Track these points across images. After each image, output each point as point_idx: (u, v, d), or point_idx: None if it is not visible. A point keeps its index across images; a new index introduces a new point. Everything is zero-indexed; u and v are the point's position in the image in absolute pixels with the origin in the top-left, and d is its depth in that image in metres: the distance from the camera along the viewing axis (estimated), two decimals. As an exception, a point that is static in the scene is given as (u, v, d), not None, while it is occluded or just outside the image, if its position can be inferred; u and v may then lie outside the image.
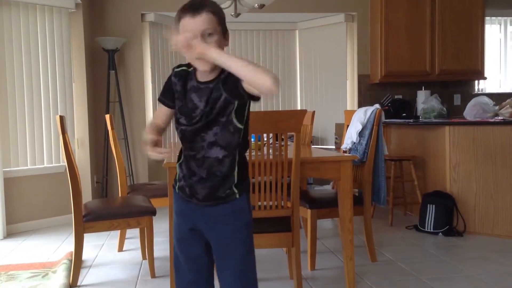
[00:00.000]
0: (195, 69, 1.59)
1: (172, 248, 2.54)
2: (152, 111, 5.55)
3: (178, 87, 1.61)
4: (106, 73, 5.18)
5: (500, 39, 6.31)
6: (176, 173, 1.70)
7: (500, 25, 6.28)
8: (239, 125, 1.57)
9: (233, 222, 1.63)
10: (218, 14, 1.51)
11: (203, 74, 1.57)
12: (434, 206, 4.01)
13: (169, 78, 1.66)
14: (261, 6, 3.91)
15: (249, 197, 1.68)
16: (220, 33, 1.51)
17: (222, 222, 1.62)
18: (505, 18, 6.23)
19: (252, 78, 1.39)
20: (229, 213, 1.63)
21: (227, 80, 1.52)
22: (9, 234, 4.26)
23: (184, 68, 1.62)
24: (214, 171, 1.59)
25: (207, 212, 1.63)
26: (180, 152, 1.68)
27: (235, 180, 1.61)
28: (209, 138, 1.57)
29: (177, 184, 1.69)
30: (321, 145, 6.11)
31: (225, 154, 1.58)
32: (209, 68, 1.51)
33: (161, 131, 1.63)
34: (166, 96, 1.66)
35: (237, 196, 1.62)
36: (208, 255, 1.69)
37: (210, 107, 1.55)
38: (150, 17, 5.42)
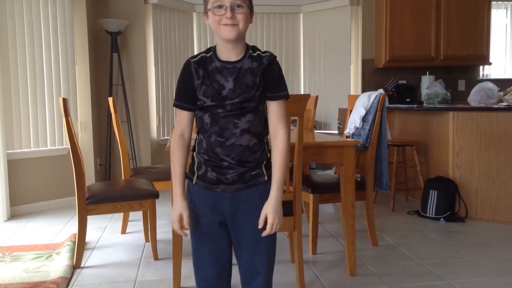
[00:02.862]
0: (215, 52, 1.59)
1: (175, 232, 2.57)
2: (155, 94, 5.54)
3: (200, 73, 1.58)
4: (109, 56, 5.16)
5: (506, 24, 6.24)
6: (193, 163, 1.66)
7: (507, 9, 6.21)
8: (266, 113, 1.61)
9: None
10: None
11: (227, 50, 1.57)
12: (436, 191, 4.02)
13: (186, 70, 1.60)
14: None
15: None
16: (248, 7, 1.54)
17: (255, 207, 1.61)
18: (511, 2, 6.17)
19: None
20: (261, 198, 1.61)
21: (265, 70, 1.58)
22: (13, 216, 4.29)
23: (202, 54, 1.61)
24: (245, 158, 1.58)
25: (238, 197, 1.61)
26: (195, 140, 1.66)
27: (264, 161, 1.63)
28: (242, 125, 1.56)
29: (196, 174, 1.64)
30: (324, 129, 6.10)
31: (256, 141, 1.59)
32: (235, 36, 1.52)
33: (187, 154, 1.67)
34: (185, 97, 1.60)
35: (266, 178, 1.63)
36: (229, 248, 1.68)
37: (242, 90, 1.55)
38: (153, -1, 5.38)
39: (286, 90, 1.61)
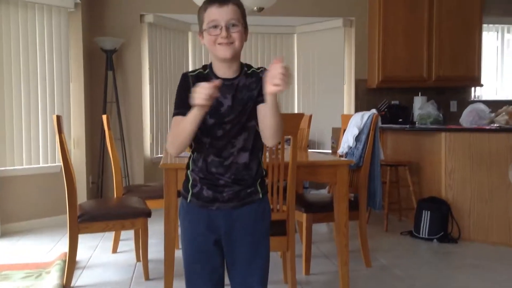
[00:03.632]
0: (211, 69, 1.60)
1: (168, 251, 2.55)
2: (149, 112, 5.54)
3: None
4: (104, 73, 5.17)
5: (497, 47, 6.34)
6: (187, 181, 1.65)
7: (497, 32, 6.31)
8: (257, 127, 1.61)
9: (258, 226, 1.64)
10: (242, 9, 1.58)
11: (223, 68, 1.58)
12: (429, 212, 4.02)
13: (183, 82, 1.59)
14: (260, 9, 3.92)
15: (268, 198, 1.72)
16: (243, 26, 1.56)
17: (248, 226, 1.62)
18: (502, 25, 6.26)
19: (274, 131, 1.52)
20: (255, 216, 1.63)
21: (258, 81, 1.57)
22: (3, 234, 4.24)
23: (199, 70, 1.62)
24: (241, 176, 1.59)
25: (233, 215, 1.61)
26: (189, 158, 1.66)
27: (259, 179, 1.64)
28: (239, 144, 1.58)
29: (190, 191, 1.63)
30: (317, 149, 6.11)
31: (252, 158, 1.60)
32: (230, 55, 1.54)
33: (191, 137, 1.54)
34: (184, 105, 1.53)
35: (261, 196, 1.64)
36: (222, 266, 1.67)
37: (240, 107, 1.56)
38: (149, 18, 5.42)
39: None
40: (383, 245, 3.91)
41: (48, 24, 4.64)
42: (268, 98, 1.44)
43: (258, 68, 1.63)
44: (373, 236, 4.10)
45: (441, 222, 3.99)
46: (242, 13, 1.57)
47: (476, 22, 5.72)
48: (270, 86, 1.36)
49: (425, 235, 4.02)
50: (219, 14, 1.52)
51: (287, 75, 1.34)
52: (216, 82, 1.40)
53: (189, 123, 1.48)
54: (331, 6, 5.74)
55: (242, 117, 1.57)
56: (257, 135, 1.61)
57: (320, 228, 4.43)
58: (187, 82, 1.59)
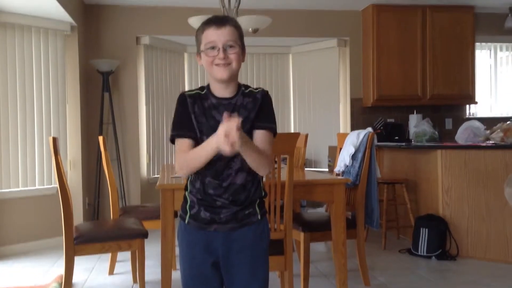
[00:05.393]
0: (209, 90, 1.62)
1: (166, 273, 2.53)
2: (146, 133, 5.55)
3: (196, 108, 1.59)
4: (100, 95, 5.19)
5: (490, 65, 6.41)
6: (186, 202, 1.65)
7: (490, 50, 6.39)
8: None
9: (256, 247, 1.63)
10: (239, 30, 1.60)
11: (221, 89, 1.60)
12: (427, 229, 4.01)
13: (181, 103, 1.60)
14: (255, 30, 3.96)
15: (267, 219, 1.71)
16: (240, 47, 1.58)
17: (246, 247, 1.61)
18: (495, 44, 6.35)
19: (255, 167, 1.55)
20: (253, 238, 1.62)
21: (261, 103, 1.60)
22: (-2, 257, 4.20)
23: (197, 91, 1.63)
24: (238, 196, 1.59)
25: (231, 237, 1.60)
26: (187, 180, 1.66)
27: (257, 200, 1.64)
28: (236, 165, 1.58)
29: (188, 213, 1.64)
30: (314, 167, 6.12)
31: (250, 178, 1.60)
32: (228, 76, 1.55)
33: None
34: (186, 125, 1.57)
35: (259, 217, 1.64)
36: None
37: None
38: (145, 40, 5.47)
39: (274, 124, 1.61)
40: (382, 263, 3.89)
41: (45, 47, 4.68)
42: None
43: (256, 89, 1.64)
44: (371, 254, 4.08)
45: (439, 239, 3.98)
46: (239, 34, 1.59)
47: (469, 40, 5.80)
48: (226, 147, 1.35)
49: (423, 253, 4.00)
50: (216, 36, 1.54)
51: (240, 133, 1.34)
52: (226, 115, 1.37)
53: (204, 157, 1.49)
54: (325, 27, 5.81)
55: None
56: None
57: (318, 247, 4.41)
58: (185, 103, 1.60)
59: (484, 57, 6.37)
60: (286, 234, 2.59)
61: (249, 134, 1.58)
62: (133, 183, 5.43)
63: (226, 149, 1.35)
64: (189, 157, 1.54)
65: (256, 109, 1.59)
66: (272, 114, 1.62)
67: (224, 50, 1.54)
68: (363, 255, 3.31)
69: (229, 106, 1.59)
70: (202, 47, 1.57)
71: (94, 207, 5.21)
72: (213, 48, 1.55)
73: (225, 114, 1.36)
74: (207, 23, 1.57)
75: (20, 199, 4.44)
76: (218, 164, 1.57)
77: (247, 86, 1.64)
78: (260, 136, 1.58)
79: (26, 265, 3.99)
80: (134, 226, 3.15)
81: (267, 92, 1.64)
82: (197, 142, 1.57)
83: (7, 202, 4.34)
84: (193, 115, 1.59)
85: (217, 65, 1.55)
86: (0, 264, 4.02)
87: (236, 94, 1.61)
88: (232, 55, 1.55)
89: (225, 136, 1.33)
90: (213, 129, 1.55)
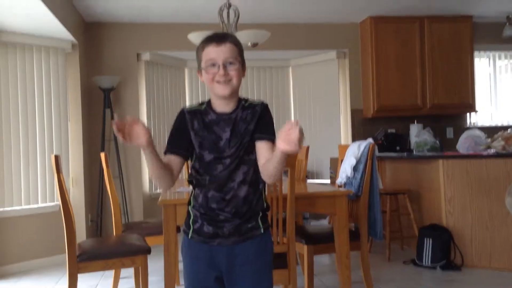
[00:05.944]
0: (209, 105, 1.63)
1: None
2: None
3: (195, 124, 1.62)
4: (101, 111, 5.22)
5: (490, 73, 6.43)
6: (189, 217, 1.67)
7: (489, 59, 6.41)
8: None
9: (260, 261, 1.63)
10: (239, 46, 1.62)
11: (222, 104, 1.61)
12: (431, 240, 3.99)
13: (181, 118, 1.63)
14: (254, 44, 3.99)
15: (270, 233, 1.71)
16: (240, 63, 1.60)
17: (249, 261, 1.61)
18: (494, 52, 6.37)
19: (271, 176, 1.54)
20: (257, 252, 1.62)
21: (259, 115, 1.61)
22: (2, 275, 4.18)
23: (196, 107, 1.65)
24: (241, 209, 1.59)
25: (235, 251, 1.60)
26: (190, 194, 1.67)
27: (260, 213, 1.64)
28: (238, 177, 1.59)
29: (191, 228, 1.64)
30: (316, 179, 6.11)
31: (252, 191, 1.61)
32: (229, 92, 1.57)
33: (158, 159, 1.53)
34: (178, 143, 1.63)
35: (262, 231, 1.64)
36: None
37: (238, 140, 1.58)
38: (146, 56, 5.51)
39: (274, 135, 1.61)
40: (386, 274, 3.87)
41: (46, 65, 4.71)
42: (279, 153, 1.42)
43: (256, 102, 1.65)
44: (376, 265, 4.06)
45: (443, 249, 3.96)
46: (239, 50, 1.61)
47: (468, 50, 5.82)
48: (285, 145, 1.34)
49: (428, 263, 3.98)
50: (216, 53, 1.56)
51: (302, 139, 1.34)
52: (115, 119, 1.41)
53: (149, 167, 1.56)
54: (324, 40, 5.85)
55: (241, 151, 1.59)
56: (257, 168, 1.61)
57: (322, 260, 4.39)
58: (183, 120, 1.63)
59: (484, 66, 6.39)
60: (289, 247, 2.58)
61: (249, 145, 1.59)
62: (135, 199, 5.43)
63: (295, 149, 1.34)
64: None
65: (255, 120, 1.60)
66: (271, 125, 1.63)
67: (224, 67, 1.56)
68: (367, 267, 3.30)
69: (229, 121, 1.60)
70: (203, 65, 1.59)
71: (97, 223, 5.20)
72: (213, 65, 1.56)
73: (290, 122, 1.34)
74: (207, 41, 1.59)
75: (23, 217, 4.44)
76: (221, 177, 1.58)
77: (246, 100, 1.66)
78: (265, 145, 1.58)
79: (30, 283, 3.98)
80: (137, 242, 3.15)
81: (266, 105, 1.65)
82: (185, 158, 1.63)
83: (10, 220, 4.34)
84: (192, 132, 1.61)
85: (218, 82, 1.56)
86: (3, 283, 4.01)
87: (236, 108, 1.62)
88: (233, 71, 1.57)
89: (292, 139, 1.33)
90: (215, 143, 1.57)
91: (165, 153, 1.64)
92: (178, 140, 1.63)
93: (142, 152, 4.96)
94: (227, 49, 1.56)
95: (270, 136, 1.60)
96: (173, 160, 1.62)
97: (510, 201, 2.92)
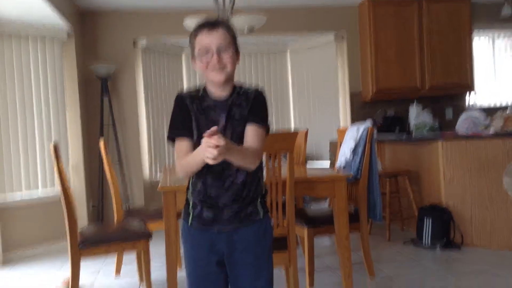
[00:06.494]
0: (205, 91, 1.63)
1: (170, 274, 2.55)
2: (147, 134, 5.57)
3: (194, 106, 1.61)
4: (99, 99, 5.21)
5: (489, 53, 6.39)
6: (188, 204, 1.67)
7: (488, 39, 6.38)
8: None
9: (260, 246, 1.65)
10: (232, 32, 1.60)
11: (217, 91, 1.61)
12: (430, 219, 4.02)
13: (180, 102, 1.62)
14: (251, 29, 3.97)
15: (269, 217, 1.72)
16: (233, 49, 1.59)
17: (249, 246, 1.62)
18: (493, 31, 6.32)
19: (241, 167, 1.57)
20: (256, 237, 1.63)
21: (252, 100, 1.61)
22: (5, 262, 4.22)
23: (193, 92, 1.64)
24: (239, 195, 1.60)
25: (235, 236, 1.61)
26: (188, 182, 1.67)
27: (258, 197, 1.65)
28: None
29: (191, 214, 1.65)
30: (316, 160, 6.12)
31: (250, 176, 1.61)
32: (224, 79, 1.56)
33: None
34: (184, 125, 1.60)
35: (261, 216, 1.65)
36: (227, 287, 1.68)
37: (234, 126, 1.58)
38: (142, 43, 5.48)
39: (265, 121, 1.61)
40: (386, 255, 3.90)
41: (42, 54, 4.69)
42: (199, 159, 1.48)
43: (251, 87, 1.65)
44: (376, 246, 4.09)
45: (443, 229, 3.99)
46: (232, 36, 1.59)
47: (466, 30, 5.79)
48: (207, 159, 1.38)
49: (427, 243, 4.01)
50: (209, 40, 1.55)
51: (220, 148, 1.36)
52: (213, 130, 1.37)
53: (196, 166, 1.54)
54: (322, 22, 5.80)
55: (237, 137, 1.59)
56: None
57: (323, 241, 4.42)
58: (183, 103, 1.62)
59: (483, 45, 6.36)
60: (289, 230, 2.60)
61: (244, 131, 1.60)
62: (136, 185, 5.45)
63: (210, 162, 1.39)
64: (185, 162, 1.56)
65: (249, 106, 1.60)
66: (263, 110, 1.63)
67: (218, 54, 1.55)
68: (367, 249, 3.32)
69: (224, 106, 1.60)
70: (196, 52, 1.58)
71: (98, 209, 5.23)
72: (206, 52, 1.56)
73: (208, 132, 1.36)
74: (199, 28, 1.58)
75: (25, 205, 4.47)
76: (219, 165, 1.57)
77: (242, 86, 1.66)
78: (249, 130, 1.59)
79: (33, 269, 4.02)
80: (138, 227, 3.17)
81: (261, 91, 1.65)
82: (193, 141, 1.61)
83: (12, 208, 4.37)
84: (193, 114, 1.61)
85: (212, 69, 1.56)
86: (7, 269, 4.05)
87: (231, 94, 1.62)
88: (226, 58, 1.56)
89: (206, 151, 1.37)
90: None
91: (174, 136, 1.61)
92: (187, 123, 1.60)
93: (140, 139, 4.91)
94: (220, 35, 1.55)
95: (257, 118, 1.59)
96: (186, 146, 1.60)
97: (508, 181, 2.94)
